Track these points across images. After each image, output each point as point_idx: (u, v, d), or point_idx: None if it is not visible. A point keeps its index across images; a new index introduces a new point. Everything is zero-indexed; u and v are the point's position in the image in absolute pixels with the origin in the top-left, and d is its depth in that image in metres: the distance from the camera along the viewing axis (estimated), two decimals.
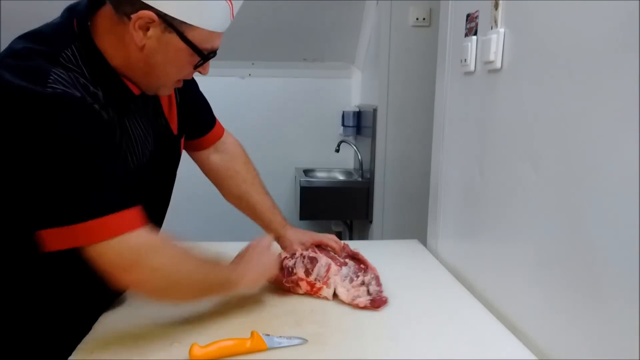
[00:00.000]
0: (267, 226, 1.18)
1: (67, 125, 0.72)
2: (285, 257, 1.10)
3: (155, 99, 0.95)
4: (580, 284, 0.78)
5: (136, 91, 0.87)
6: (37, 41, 0.77)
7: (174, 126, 0.99)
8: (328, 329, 0.93)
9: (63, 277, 0.86)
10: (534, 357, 0.86)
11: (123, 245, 0.75)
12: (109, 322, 0.94)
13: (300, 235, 1.17)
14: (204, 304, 1.02)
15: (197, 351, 0.80)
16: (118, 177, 0.78)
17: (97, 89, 0.79)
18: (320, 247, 1.16)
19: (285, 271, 1.06)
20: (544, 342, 0.88)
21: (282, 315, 0.97)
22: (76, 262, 0.77)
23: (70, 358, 0.82)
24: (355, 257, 1.16)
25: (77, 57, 0.78)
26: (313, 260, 1.07)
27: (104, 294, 1.01)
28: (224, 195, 1.17)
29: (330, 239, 1.18)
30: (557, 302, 0.84)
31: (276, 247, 1.14)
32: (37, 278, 0.86)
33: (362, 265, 1.12)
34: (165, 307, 1.00)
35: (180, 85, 0.91)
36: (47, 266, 0.82)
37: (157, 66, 0.81)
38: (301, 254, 1.09)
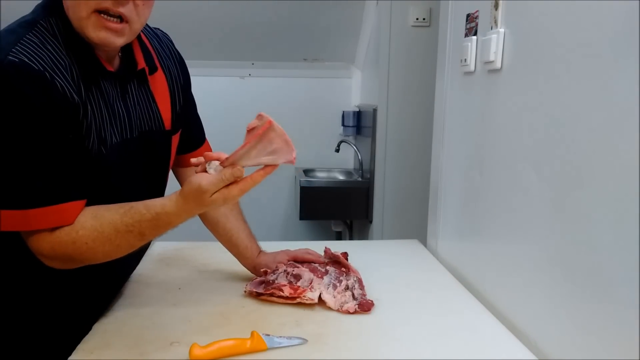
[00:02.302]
0: (242, 253, 1.13)
1: (17, 98, 0.72)
2: (267, 271, 1.08)
3: (146, 87, 0.93)
4: (580, 284, 0.78)
5: (109, 67, 0.85)
6: (22, 18, 0.81)
7: (167, 120, 0.97)
8: (328, 329, 0.93)
9: (64, 277, 0.86)
10: (534, 357, 0.86)
11: (54, 239, 0.78)
12: (109, 322, 0.94)
13: (276, 256, 1.13)
14: (204, 304, 1.02)
15: (197, 351, 0.80)
16: (62, 163, 0.77)
17: (72, 60, 0.79)
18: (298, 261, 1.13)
19: (265, 283, 1.05)
20: (544, 342, 0.88)
21: (282, 315, 0.97)
22: None
23: (70, 358, 0.82)
24: (337, 261, 1.15)
25: (54, 28, 0.79)
26: (297, 277, 1.05)
27: (104, 294, 1.01)
28: (200, 217, 1.10)
29: (305, 252, 1.15)
30: (557, 302, 0.84)
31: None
32: (38, 278, 0.86)
33: (343, 269, 1.12)
34: (165, 307, 1.00)
35: (107, 25, 0.78)
36: (47, 266, 0.82)
37: None
38: (285, 270, 1.07)
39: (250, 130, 0.79)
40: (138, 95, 0.92)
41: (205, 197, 0.77)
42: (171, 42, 1.05)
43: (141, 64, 0.91)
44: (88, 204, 0.82)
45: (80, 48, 0.80)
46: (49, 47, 0.77)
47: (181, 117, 1.02)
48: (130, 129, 0.89)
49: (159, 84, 0.96)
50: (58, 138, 0.76)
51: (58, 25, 0.80)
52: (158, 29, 1.05)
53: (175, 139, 1.01)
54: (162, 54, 0.99)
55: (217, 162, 0.79)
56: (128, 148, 0.89)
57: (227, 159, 0.78)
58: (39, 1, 0.84)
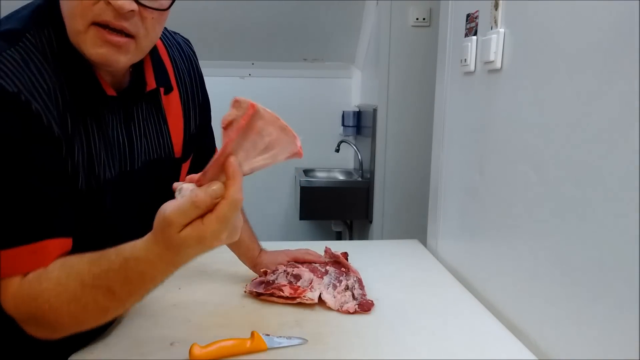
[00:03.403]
0: (243, 254, 1.13)
1: None
2: (266, 272, 1.08)
3: (157, 110, 0.82)
4: (580, 284, 0.78)
5: (110, 91, 0.73)
6: (8, 21, 0.68)
7: (177, 147, 0.86)
8: (328, 329, 0.93)
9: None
10: (534, 357, 0.86)
11: (18, 293, 0.63)
12: (109, 322, 0.94)
13: (277, 257, 1.13)
14: (204, 304, 1.02)
15: (197, 351, 0.79)
16: (36, 196, 0.64)
17: (62, 83, 0.67)
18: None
19: (265, 283, 1.05)
20: (544, 342, 0.88)
21: (282, 315, 0.97)
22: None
23: (70, 358, 0.81)
24: (337, 261, 1.15)
25: (44, 42, 0.67)
26: (297, 277, 1.05)
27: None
28: None
29: (305, 253, 1.15)
30: (557, 302, 0.84)
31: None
32: None
33: (342, 269, 1.12)
34: (165, 307, 1.00)
35: (108, 39, 0.65)
36: None
37: (62, 3, 0.66)
38: (285, 270, 1.07)
39: (227, 127, 0.55)
40: (147, 119, 0.80)
41: (172, 232, 0.55)
42: (193, 52, 0.92)
43: (151, 84, 0.79)
44: (82, 249, 0.67)
45: (77, 67, 0.68)
46: (33, 68, 0.65)
47: (195, 138, 0.91)
48: (132, 161, 0.78)
49: (173, 104, 0.85)
50: (31, 169, 0.64)
51: (50, 38, 0.68)
52: (178, 34, 0.92)
53: (186, 167, 0.90)
54: (180, 68, 0.87)
55: (190, 185, 0.57)
56: (128, 181, 0.77)
57: (202, 174, 0.56)
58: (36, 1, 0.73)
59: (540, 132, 0.90)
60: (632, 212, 0.66)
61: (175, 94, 0.86)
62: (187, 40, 0.94)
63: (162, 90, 0.81)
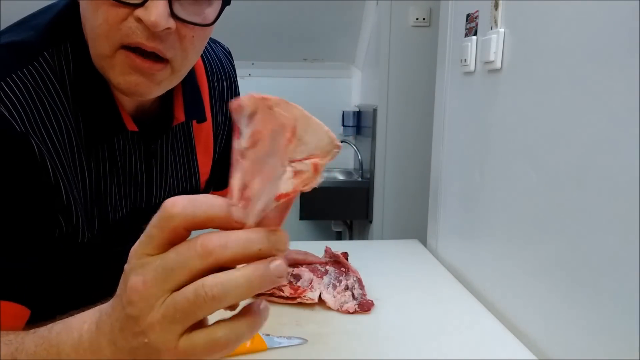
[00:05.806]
0: None
1: None
2: None
3: (185, 141, 0.73)
4: (580, 284, 0.78)
5: (131, 126, 0.63)
6: (23, 28, 0.59)
7: (204, 177, 0.80)
8: (328, 329, 0.93)
9: (65, 278, 0.84)
10: (534, 357, 0.86)
11: None
12: None
13: None
14: None
15: None
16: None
17: (76, 114, 0.59)
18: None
19: None
20: (544, 342, 0.88)
21: (282, 315, 0.97)
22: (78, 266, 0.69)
23: None
24: (337, 261, 1.15)
25: (62, 63, 0.58)
26: (297, 277, 1.06)
27: (104, 296, 1.00)
28: None
29: (305, 254, 1.15)
30: (557, 302, 0.84)
31: None
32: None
33: (342, 269, 1.12)
34: None
35: (139, 66, 0.55)
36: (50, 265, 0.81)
37: (85, 21, 0.56)
38: None
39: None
40: (173, 151, 0.71)
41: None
42: (234, 68, 0.84)
43: (179, 117, 0.69)
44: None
45: (95, 96, 0.59)
46: (45, 101, 0.56)
47: (217, 161, 0.84)
48: (148, 197, 0.70)
49: (204, 133, 0.77)
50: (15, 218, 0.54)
51: (68, 59, 0.58)
52: (219, 44, 0.82)
53: None
54: (218, 90, 0.79)
55: None
56: (139, 220, 0.69)
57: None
58: (39, 1, 0.66)
59: (540, 132, 0.90)
60: (632, 212, 0.66)
61: (208, 123, 0.77)
62: (229, 53, 0.84)
63: (193, 124, 0.73)
